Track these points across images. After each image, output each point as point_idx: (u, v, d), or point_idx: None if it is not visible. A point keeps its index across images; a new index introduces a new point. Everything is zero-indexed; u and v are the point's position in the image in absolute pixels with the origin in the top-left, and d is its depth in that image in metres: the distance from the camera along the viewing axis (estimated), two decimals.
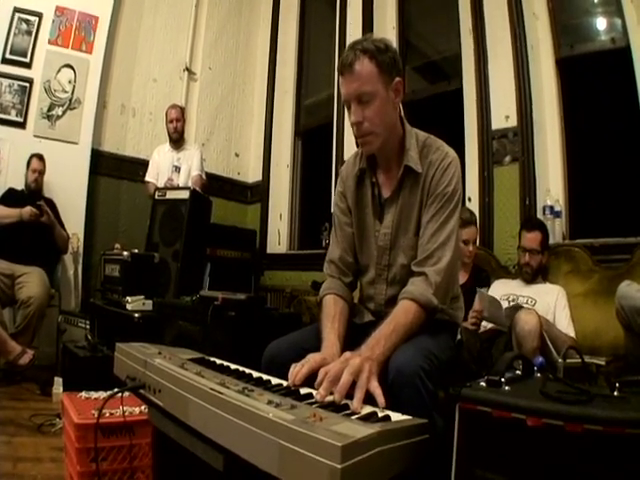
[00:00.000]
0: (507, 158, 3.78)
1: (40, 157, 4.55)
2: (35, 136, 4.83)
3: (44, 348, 4.19)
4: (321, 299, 1.89)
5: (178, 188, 4.73)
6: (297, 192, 6.15)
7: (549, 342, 2.65)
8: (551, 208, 3.55)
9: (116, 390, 1.59)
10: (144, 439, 2.01)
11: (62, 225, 4.58)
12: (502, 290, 3.23)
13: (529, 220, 3.42)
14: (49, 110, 4.90)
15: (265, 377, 1.45)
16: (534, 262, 3.17)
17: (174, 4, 5.95)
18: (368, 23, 5.05)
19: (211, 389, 1.16)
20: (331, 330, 1.67)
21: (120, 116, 5.49)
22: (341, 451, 0.84)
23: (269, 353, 1.70)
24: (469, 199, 3.93)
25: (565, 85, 3.79)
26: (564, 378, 1.31)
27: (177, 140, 5.12)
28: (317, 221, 5.26)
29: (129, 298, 3.60)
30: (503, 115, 3.84)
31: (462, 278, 3.21)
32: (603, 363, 2.58)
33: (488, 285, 3.33)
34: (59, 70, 4.95)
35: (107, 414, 2.01)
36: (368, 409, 1.20)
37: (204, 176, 5.17)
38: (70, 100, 5.00)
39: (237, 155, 6.43)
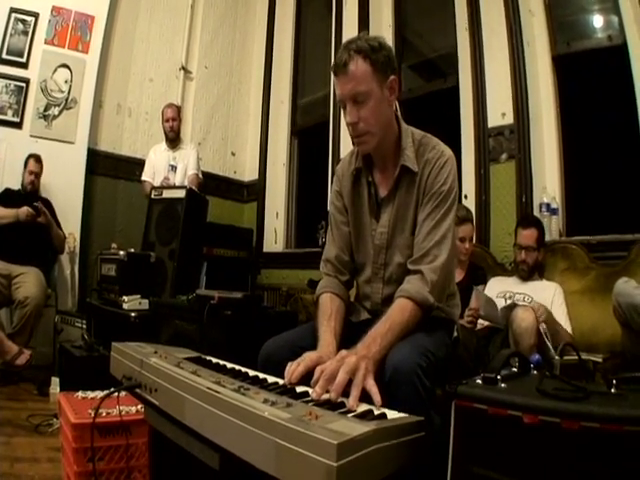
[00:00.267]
0: (503, 155, 3.78)
1: (37, 158, 4.53)
2: (31, 136, 4.81)
3: (41, 348, 4.17)
4: (317, 298, 1.89)
5: (174, 187, 4.73)
6: (293, 191, 6.15)
7: (547, 339, 2.65)
8: (547, 205, 3.55)
9: (112, 390, 1.59)
10: (141, 438, 2.00)
11: (59, 225, 4.58)
12: (498, 287, 3.24)
13: (525, 217, 3.43)
14: (45, 110, 4.89)
15: (261, 376, 1.45)
16: (530, 259, 3.17)
17: (170, 4, 5.93)
18: (364, 21, 5.05)
19: (207, 388, 1.15)
20: (327, 328, 1.67)
21: (116, 116, 5.48)
22: (337, 449, 0.84)
23: (265, 352, 1.70)
24: (465, 197, 3.93)
25: (561, 82, 3.79)
26: (561, 375, 1.31)
27: (173, 139, 5.11)
28: (313, 220, 5.27)
29: (125, 297, 3.60)
30: (499, 112, 3.84)
31: (458, 276, 3.21)
32: (600, 360, 2.58)
33: (484, 282, 3.33)
34: (55, 70, 4.94)
35: (104, 414, 2.00)
36: (364, 407, 1.19)
37: (200, 175, 5.16)
38: (66, 100, 4.98)
39: (233, 154, 6.43)
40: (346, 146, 4.87)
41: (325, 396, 1.26)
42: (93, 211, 5.24)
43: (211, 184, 5.82)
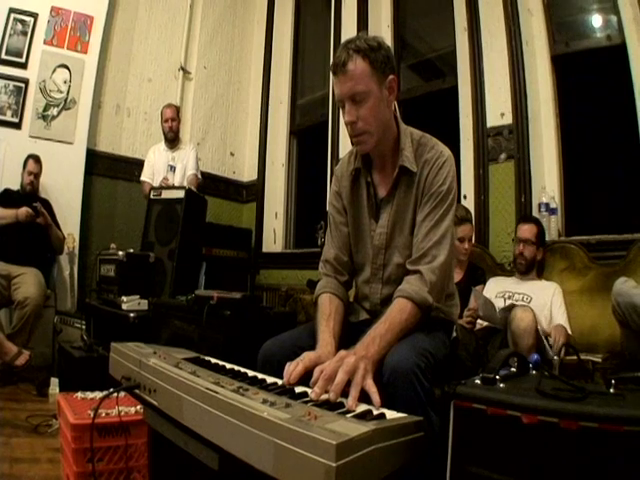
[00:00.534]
0: (502, 155, 3.78)
1: (37, 159, 4.52)
2: (31, 136, 4.81)
3: (40, 349, 4.17)
4: (316, 298, 1.89)
5: (173, 187, 4.72)
6: (292, 191, 6.15)
7: (547, 341, 2.66)
8: (546, 205, 3.55)
9: (111, 390, 1.59)
10: (140, 439, 2.00)
11: (58, 225, 4.58)
12: (497, 287, 3.24)
13: (525, 215, 3.45)
14: (44, 110, 4.89)
15: (260, 376, 1.44)
16: (528, 253, 3.19)
17: (169, 4, 5.93)
18: (363, 21, 5.05)
19: (206, 388, 1.15)
20: (326, 329, 1.67)
21: (115, 116, 5.48)
22: (336, 449, 0.84)
23: (264, 352, 1.70)
24: (464, 197, 3.93)
25: (560, 82, 3.79)
26: (560, 375, 1.31)
27: (172, 139, 5.11)
28: (312, 220, 5.26)
29: (124, 298, 3.59)
30: (498, 112, 3.84)
31: (457, 276, 3.21)
32: (599, 360, 2.58)
33: (484, 283, 3.33)
34: (54, 70, 4.93)
35: (103, 414, 2.00)
36: (363, 407, 1.19)
37: (199, 175, 5.17)
38: (65, 100, 4.98)
39: (232, 154, 6.43)
40: (345, 146, 4.87)
41: (324, 396, 1.26)
42: (92, 211, 5.24)
43: (210, 184, 5.83)
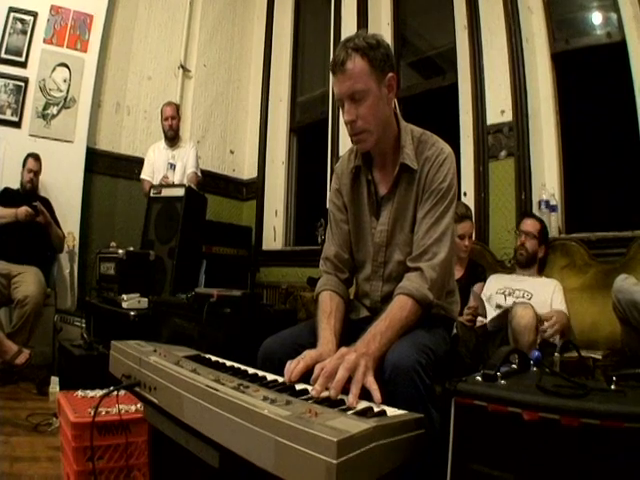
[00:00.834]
0: (502, 153, 3.78)
1: (36, 157, 4.53)
2: (30, 135, 4.81)
3: (40, 347, 4.16)
4: (317, 296, 1.89)
5: (173, 186, 4.73)
6: (292, 188, 6.16)
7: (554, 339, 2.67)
8: (547, 202, 3.55)
9: (112, 388, 1.58)
10: (140, 437, 2.00)
11: (58, 224, 4.58)
12: (498, 284, 3.24)
13: (530, 212, 3.46)
14: (44, 109, 4.88)
15: (260, 373, 1.44)
16: (529, 245, 3.20)
17: (168, 2, 5.92)
18: (363, 19, 5.04)
19: (206, 386, 1.15)
20: (327, 326, 1.67)
21: (115, 114, 5.47)
22: (337, 446, 0.84)
23: (265, 349, 1.69)
24: (464, 194, 3.93)
25: (560, 79, 3.78)
26: (560, 372, 1.31)
27: (172, 138, 5.11)
28: (312, 217, 5.27)
29: (124, 296, 3.59)
30: (498, 110, 3.84)
31: (458, 273, 3.22)
32: (600, 357, 2.58)
33: (484, 280, 3.33)
34: (54, 69, 4.93)
35: (103, 412, 2.00)
36: (364, 404, 1.19)
37: (199, 173, 5.16)
38: (65, 99, 4.98)
39: (232, 152, 6.42)
40: (345, 144, 4.86)
41: (325, 393, 1.25)
42: (92, 210, 5.24)
43: (210, 182, 5.83)
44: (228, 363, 1.56)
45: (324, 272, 1.95)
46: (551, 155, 3.72)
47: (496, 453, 1.11)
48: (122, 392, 1.67)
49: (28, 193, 4.45)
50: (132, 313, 3.44)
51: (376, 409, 1.15)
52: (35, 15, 4.86)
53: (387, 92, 1.74)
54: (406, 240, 1.81)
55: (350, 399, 1.21)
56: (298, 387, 1.32)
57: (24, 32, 4.81)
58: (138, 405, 2.03)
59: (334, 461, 0.83)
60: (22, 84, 4.78)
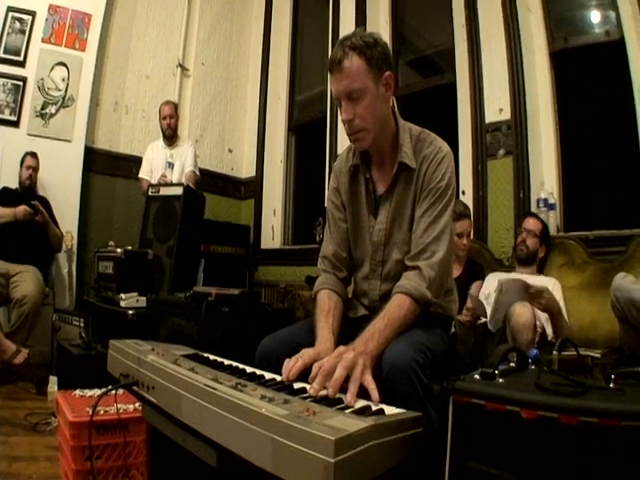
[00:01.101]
0: (501, 151, 3.78)
1: (34, 155, 4.53)
2: (29, 134, 4.80)
3: (39, 347, 4.16)
4: (315, 294, 1.89)
5: (171, 184, 4.72)
6: (291, 187, 6.16)
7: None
8: (545, 201, 3.55)
9: (110, 387, 1.58)
10: (138, 436, 2.00)
11: (56, 223, 4.57)
12: (496, 283, 3.23)
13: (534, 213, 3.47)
14: (42, 108, 4.88)
15: (258, 372, 1.45)
16: (530, 243, 3.19)
17: (167, 1, 5.91)
18: (361, 17, 5.04)
19: (204, 385, 1.15)
20: (325, 325, 1.66)
21: (113, 113, 5.47)
22: (334, 445, 0.84)
23: (263, 348, 1.69)
24: (463, 192, 3.93)
25: (559, 78, 3.78)
26: (559, 370, 1.31)
27: (171, 137, 5.10)
28: (311, 216, 5.26)
29: (123, 295, 3.59)
30: (497, 108, 3.84)
31: (456, 271, 3.21)
32: (598, 355, 2.58)
33: (482, 278, 3.33)
34: (52, 68, 4.93)
35: (101, 412, 2.00)
36: (362, 403, 1.19)
37: (197, 172, 5.16)
38: (63, 98, 4.97)
39: (230, 151, 6.42)
40: (343, 142, 4.86)
41: (323, 392, 1.25)
42: (90, 209, 5.23)
43: (208, 181, 5.83)
44: (226, 362, 1.56)
45: (322, 271, 1.95)
46: (549, 153, 3.72)
47: (494, 451, 1.11)
48: (120, 391, 1.66)
49: (27, 192, 4.45)
50: (130, 312, 3.44)
51: (374, 408, 1.15)
52: (33, 14, 4.85)
53: (385, 91, 1.73)
54: (404, 239, 1.80)
55: (348, 398, 1.21)
56: (296, 386, 1.31)
57: (22, 31, 4.80)
58: (136, 404, 2.03)
59: (332, 460, 0.83)
60: (20, 83, 4.78)
